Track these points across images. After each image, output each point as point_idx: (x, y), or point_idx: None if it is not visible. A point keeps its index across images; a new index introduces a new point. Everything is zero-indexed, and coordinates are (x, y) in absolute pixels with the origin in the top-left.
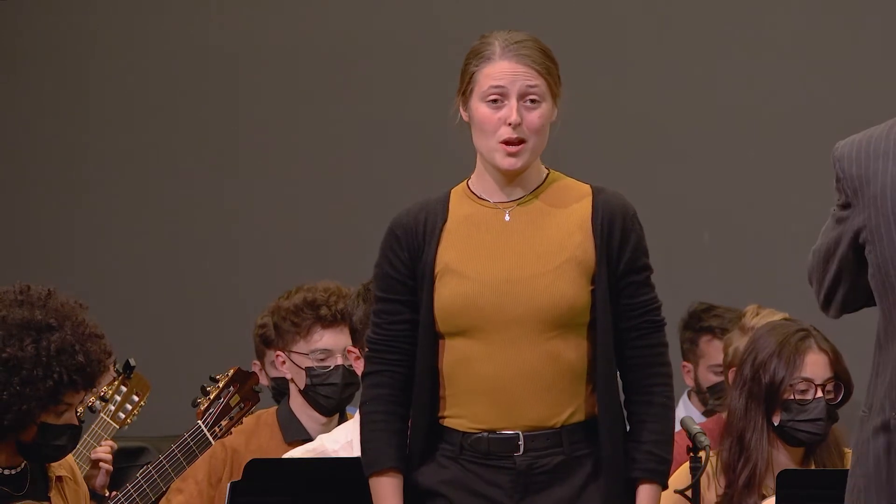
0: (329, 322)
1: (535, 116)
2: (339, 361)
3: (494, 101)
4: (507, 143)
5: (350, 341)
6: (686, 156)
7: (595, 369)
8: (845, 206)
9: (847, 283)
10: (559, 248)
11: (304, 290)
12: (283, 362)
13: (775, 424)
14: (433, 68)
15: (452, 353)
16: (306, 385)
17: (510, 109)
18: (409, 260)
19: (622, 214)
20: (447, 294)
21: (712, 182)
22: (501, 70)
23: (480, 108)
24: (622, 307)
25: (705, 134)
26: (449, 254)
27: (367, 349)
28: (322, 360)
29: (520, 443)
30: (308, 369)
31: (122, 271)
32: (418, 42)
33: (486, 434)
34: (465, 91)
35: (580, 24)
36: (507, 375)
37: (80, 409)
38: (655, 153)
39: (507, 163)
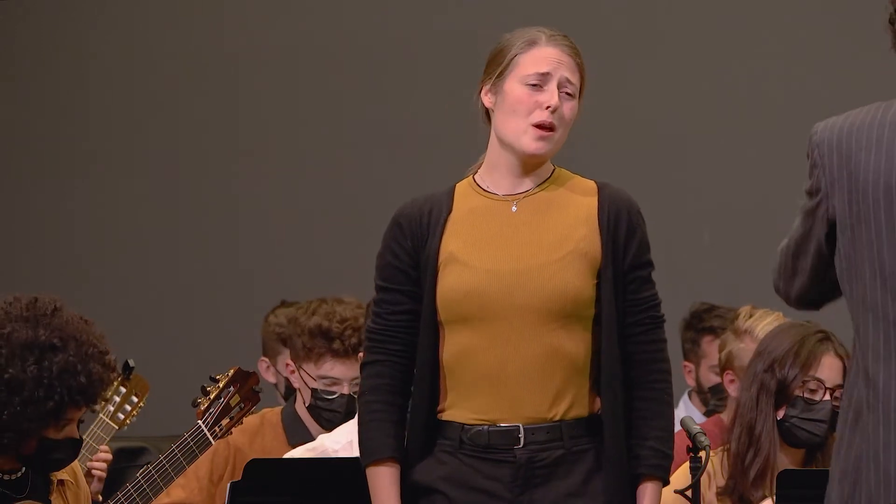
0: (341, 355)
1: (568, 108)
2: (346, 391)
3: (535, 85)
4: (540, 125)
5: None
6: (686, 155)
7: (598, 364)
8: (814, 192)
9: (822, 277)
10: (564, 239)
11: (323, 313)
12: (293, 371)
13: (779, 419)
14: (434, 68)
15: (454, 345)
16: (310, 403)
17: (551, 94)
18: (412, 249)
19: (628, 210)
20: (451, 282)
21: (712, 181)
22: (548, 55)
23: (517, 90)
24: (627, 303)
25: (705, 133)
26: (454, 243)
27: (365, 339)
28: (328, 385)
29: (520, 435)
30: (314, 391)
31: (121, 271)
32: (418, 42)
33: (486, 427)
34: (501, 73)
35: (580, 22)
36: (508, 366)
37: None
38: (656, 152)
39: (535, 146)
